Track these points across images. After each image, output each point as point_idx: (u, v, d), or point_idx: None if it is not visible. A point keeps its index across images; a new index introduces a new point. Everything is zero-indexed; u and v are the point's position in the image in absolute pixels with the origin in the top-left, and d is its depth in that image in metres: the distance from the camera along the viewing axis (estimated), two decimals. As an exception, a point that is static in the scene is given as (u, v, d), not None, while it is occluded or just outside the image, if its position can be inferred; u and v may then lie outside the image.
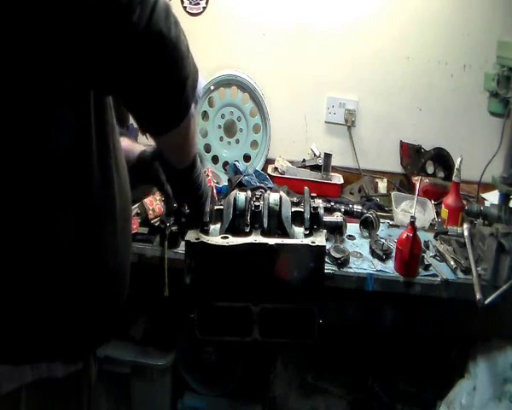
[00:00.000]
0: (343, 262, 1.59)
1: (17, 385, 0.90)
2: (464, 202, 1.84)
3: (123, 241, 1.01)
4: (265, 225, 1.30)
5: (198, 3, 2.23)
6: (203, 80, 0.98)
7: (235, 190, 1.43)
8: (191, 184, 1.17)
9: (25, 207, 0.85)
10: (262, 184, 1.88)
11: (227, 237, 1.26)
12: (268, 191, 1.42)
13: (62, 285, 0.90)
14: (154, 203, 1.66)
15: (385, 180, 2.25)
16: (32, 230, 0.85)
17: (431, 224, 1.87)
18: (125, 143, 1.20)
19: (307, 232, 1.33)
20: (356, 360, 1.95)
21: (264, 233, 1.28)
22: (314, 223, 1.34)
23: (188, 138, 1.02)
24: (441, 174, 2.25)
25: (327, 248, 1.47)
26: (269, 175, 2.13)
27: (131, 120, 1.72)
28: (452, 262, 1.63)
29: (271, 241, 1.24)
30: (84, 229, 0.91)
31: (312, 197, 1.43)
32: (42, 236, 0.86)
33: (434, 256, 1.69)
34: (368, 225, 1.79)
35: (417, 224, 1.58)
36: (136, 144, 1.30)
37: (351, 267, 1.60)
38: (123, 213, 1.00)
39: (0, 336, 0.88)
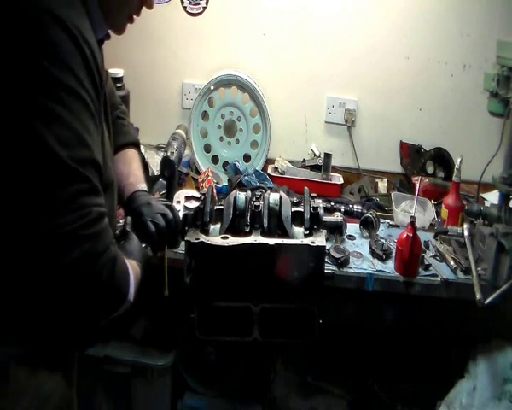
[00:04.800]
0: (343, 262, 1.58)
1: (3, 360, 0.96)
2: (464, 202, 1.84)
3: None
4: (265, 225, 1.30)
5: (198, 3, 2.23)
6: None
7: (235, 190, 1.43)
8: None
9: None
10: (262, 184, 1.88)
11: (227, 237, 1.26)
12: (268, 191, 1.42)
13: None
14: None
15: (385, 180, 2.24)
16: None
17: (431, 224, 1.87)
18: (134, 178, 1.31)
19: (307, 232, 1.33)
20: (356, 360, 1.95)
21: (264, 233, 1.28)
22: (314, 223, 1.34)
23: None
24: (441, 174, 2.24)
25: (327, 248, 1.47)
26: (269, 175, 2.13)
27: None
28: (452, 262, 1.63)
29: (271, 241, 1.24)
30: None
31: (312, 197, 1.43)
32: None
33: (434, 256, 1.69)
34: (368, 225, 1.79)
35: (417, 224, 1.58)
36: (139, 180, 1.34)
37: (351, 267, 1.60)
38: None
39: None
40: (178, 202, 1.43)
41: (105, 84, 1.03)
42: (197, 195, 1.53)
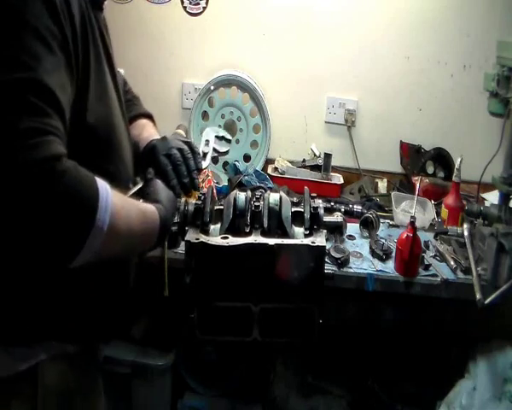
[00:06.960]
0: (343, 262, 1.58)
1: (33, 363, 0.98)
2: (464, 202, 1.84)
3: None
4: (265, 225, 1.30)
5: (198, 3, 2.23)
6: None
7: (235, 190, 1.42)
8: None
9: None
10: (262, 184, 1.88)
11: (227, 238, 1.26)
12: (268, 191, 1.42)
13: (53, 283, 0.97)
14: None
15: (385, 180, 2.25)
16: None
17: (431, 224, 1.87)
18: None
19: (307, 232, 1.32)
20: (356, 360, 1.95)
21: (264, 233, 1.28)
22: (314, 223, 1.34)
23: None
24: (441, 174, 2.25)
25: (327, 248, 1.47)
26: (269, 175, 2.13)
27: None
28: (452, 262, 1.63)
29: (271, 241, 1.23)
30: None
31: (312, 197, 1.43)
32: None
33: (434, 256, 1.69)
34: (368, 225, 1.79)
35: (417, 224, 1.58)
36: (154, 135, 1.28)
37: (351, 267, 1.60)
38: None
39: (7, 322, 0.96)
40: (207, 141, 1.28)
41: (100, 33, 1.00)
42: (229, 136, 1.36)
